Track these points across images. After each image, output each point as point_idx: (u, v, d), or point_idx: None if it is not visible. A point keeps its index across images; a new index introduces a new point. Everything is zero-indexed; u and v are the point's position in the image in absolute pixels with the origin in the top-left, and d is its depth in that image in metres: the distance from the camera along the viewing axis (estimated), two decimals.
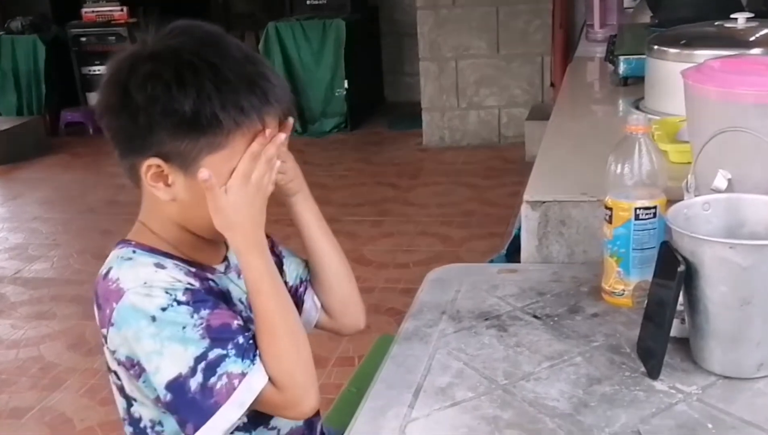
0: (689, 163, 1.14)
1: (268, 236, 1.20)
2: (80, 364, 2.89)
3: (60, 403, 2.67)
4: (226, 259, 1.10)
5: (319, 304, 1.23)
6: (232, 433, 1.01)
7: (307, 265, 1.24)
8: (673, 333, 1.01)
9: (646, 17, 2.55)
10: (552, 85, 4.99)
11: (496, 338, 1.13)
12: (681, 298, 0.99)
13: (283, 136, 1.01)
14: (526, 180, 1.45)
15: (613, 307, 1.18)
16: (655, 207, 1.13)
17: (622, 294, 1.17)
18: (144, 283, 0.96)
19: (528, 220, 1.38)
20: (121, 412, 1.06)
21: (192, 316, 0.95)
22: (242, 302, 1.07)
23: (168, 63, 0.95)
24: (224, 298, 1.05)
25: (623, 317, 1.15)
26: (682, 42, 1.74)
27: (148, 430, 1.04)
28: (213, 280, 1.06)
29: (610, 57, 2.28)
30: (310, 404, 1.01)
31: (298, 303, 1.22)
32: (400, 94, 6.54)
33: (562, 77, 2.74)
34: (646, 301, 1.07)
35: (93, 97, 6.23)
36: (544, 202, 1.37)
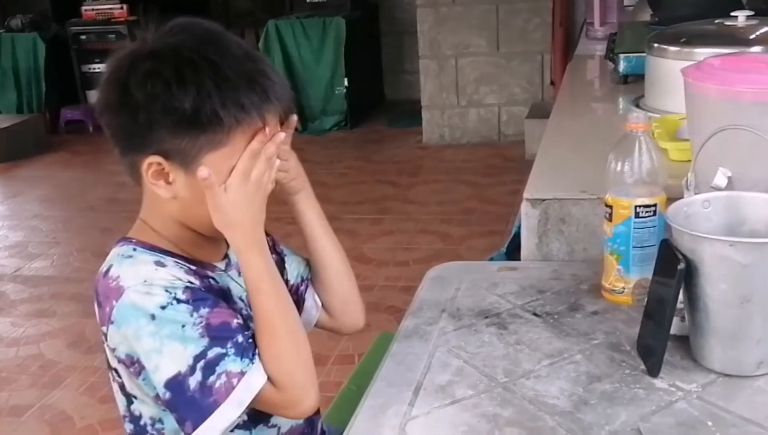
0: (689, 161, 1.14)
1: (268, 235, 1.20)
2: (80, 362, 2.89)
3: (60, 401, 2.67)
4: (226, 256, 1.10)
5: (320, 303, 1.23)
6: (232, 431, 1.01)
7: (308, 263, 1.24)
8: (673, 331, 1.02)
9: (646, 15, 2.55)
10: (552, 83, 4.99)
11: (496, 336, 1.13)
12: (681, 296, 1.00)
13: (282, 135, 1.01)
14: (526, 178, 1.45)
15: (613, 305, 1.18)
16: (655, 205, 1.13)
17: (622, 292, 1.17)
18: (144, 281, 0.96)
19: (528, 217, 1.38)
20: (122, 410, 1.06)
21: (191, 315, 0.95)
22: (242, 300, 1.07)
23: (168, 61, 0.95)
24: (224, 296, 1.05)
25: (623, 315, 1.16)
26: (682, 40, 1.73)
27: (149, 428, 1.04)
28: (213, 278, 1.06)
29: (610, 55, 2.28)
30: (309, 404, 1.00)
31: (299, 301, 1.22)
32: (400, 92, 6.54)
33: (562, 75, 2.74)
34: (646, 299, 1.07)
35: (93, 95, 6.23)
36: (544, 199, 1.37)
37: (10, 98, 6.35)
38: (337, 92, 5.83)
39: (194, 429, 0.94)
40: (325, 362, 2.69)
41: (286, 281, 1.20)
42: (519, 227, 1.44)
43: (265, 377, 0.97)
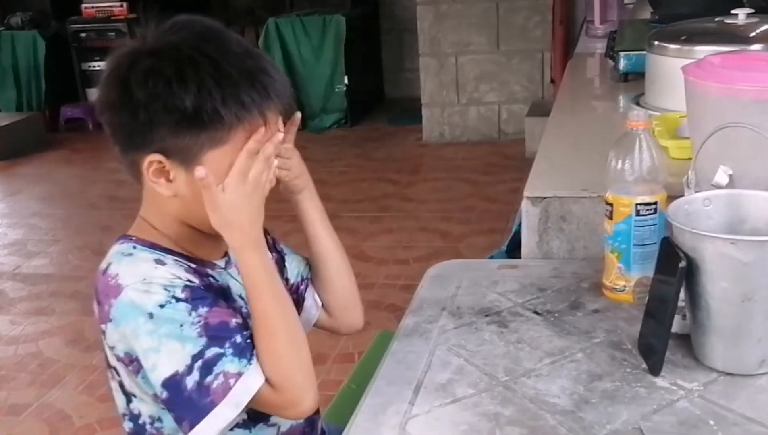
0: (690, 159, 1.13)
1: (268, 233, 1.20)
2: (79, 360, 2.89)
3: (59, 399, 2.67)
4: (226, 254, 1.10)
5: (320, 303, 1.23)
6: (231, 429, 1.01)
7: (308, 262, 1.23)
8: (674, 329, 1.01)
9: (647, 13, 2.55)
10: (552, 81, 4.99)
11: (496, 334, 1.13)
12: (682, 294, 0.99)
13: (281, 136, 1.00)
14: (526, 176, 1.45)
15: (614, 303, 1.18)
16: (655, 203, 1.13)
17: (623, 290, 1.17)
18: (143, 280, 0.96)
19: (528, 216, 1.38)
20: (121, 409, 1.06)
21: (190, 314, 0.95)
22: (242, 298, 1.07)
23: (168, 59, 0.94)
24: (224, 294, 1.04)
25: (624, 313, 1.15)
26: (683, 38, 1.73)
27: (148, 426, 1.04)
28: (213, 276, 1.05)
29: (611, 53, 2.28)
30: (308, 405, 1.00)
31: (299, 300, 1.22)
32: (400, 89, 6.54)
33: (562, 73, 2.74)
34: (647, 297, 1.07)
35: (93, 93, 6.23)
36: (544, 197, 1.37)
37: (10, 96, 6.34)
38: (337, 90, 5.83)
39: (191, 429, 0.94)
40: (325, 361, 2.69)
41: (286, 280, 1.20)
42: (519, 225, 1.44)
43: (263, 378, 0.96)
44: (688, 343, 1.04)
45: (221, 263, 1.08)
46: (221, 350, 0.95)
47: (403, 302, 2.79)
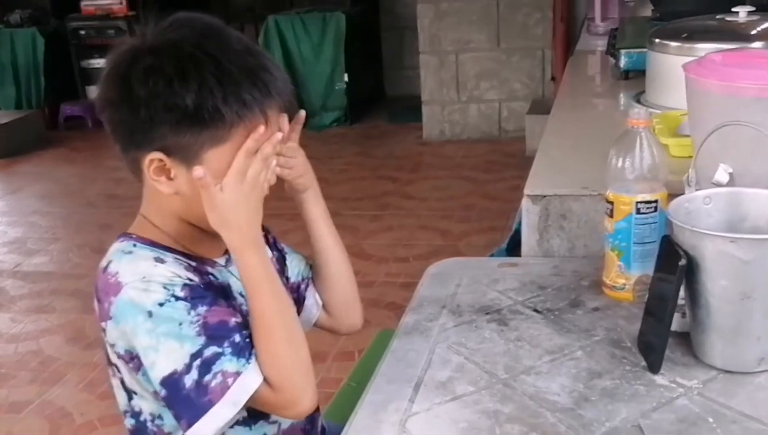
0: (690, 157, 1.13)
1: (269, 232, 1.20)
2: (80, 358, 2.89)
3: (59, 397, 2.67)
4: (227, 252, 1.09)
5: (320, 302, 1.23)
6: (232, 426, 1.01)
7: (308, 262, 1.23)
8: (673, 327, 1.01)
9: (648, 10, 2.55)
10: (553, 78, 4.99)
11: (496, 332, 1.13)
12: (682, 293, 0.99)
13: (279, 136, 1.00)
14: (527, 174, 1.45)
15: (614, 301, 1.18)
16: (656, 201, 1.13)
17: (623, 288, 1.17)
18: (142, 278, 0.96)
19: (529, 214, 1.38)
20: (122, 405, 1.06)
21: (189, 313, 0.95)
22: (242, 296, 1.07)
23: (169, 57, 0.94)
24: (224, 292, 1.04)
25: (624, 311, 1.15)
26: (684, 35, 1.73)
27: (149, 423, 1.04)
28: (213, 274, 1.05)
29: (612, 50, 2.28)
30: (306, 405, 1.00)
31: (300, 300, 1.22)
32: (400, 87, 6.53)
33: (563, 71, 2.74)
34: (647, 296, 1.07)
35: (92, 91, 6.23)
36: (544, 196, 1.37)
37: (9, 94, 6.34)
38: (337, 88, 5.82)
39: (189, 427, 0.94)
40: (325, 358, 2.69)
41: (287, 279, 1.20)
42: (519, 223, 1.44)
43: (261, 378, 0.96)
44: (687, 341, 1.04)
45: (221, 261, 1.08)
46: (220, 349, 0.95)
47: (402, 300, 2.79)
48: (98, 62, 6.16)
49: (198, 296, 0.97)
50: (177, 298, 0.95)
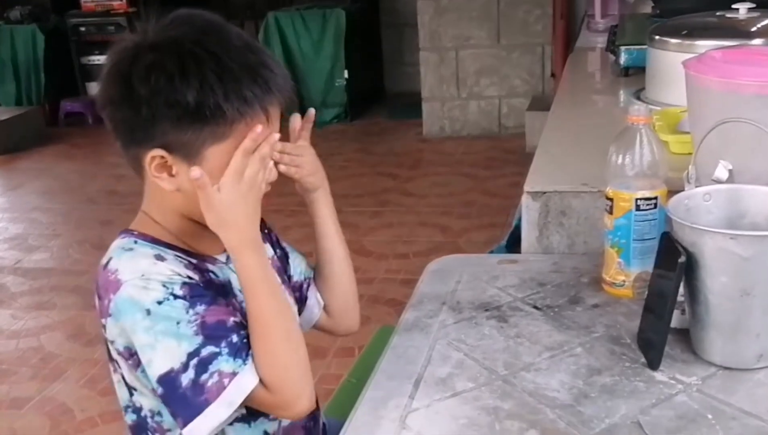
0: (690, 153, 1.13)
1: (271, 230, 1.20)
2: (80, 354, 2.89)
3: (60, 393, 2.67)
4: None
5: (322, 302, 1.23)
6: (231, 423, 1.01)
7: (308, 262, 1.24)
8: (673, 324, 1.02)
9: (648, 7, 2.55)
10: (553, 75, 4.98)
11: (496, 329, 1.13)
12: (681, 289, 0.99)
13: (277, 136, 1.00)
14: (526, 171, 1.45)
15: (614, 298, 1.18)
16: (655, 198, 1.13)
17: (623, 285, 1.17)
18: (141, 275, 0.96)
19: (529, 210, 1.38)
20: (124, 401, 1.06)
21: (187, 312, 0.95)
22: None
23: (170, 54, 0.94)
24: (224, 289, 1.05)
25: (624, 308, 1.16)
26: (684, 32, 1.73)
27: (149, 420, 1.04)
28: (213, 272, 1.05)
29: (612, 47, 2.28)
30: (303, 406, 1.00)
31: (302, 299, 1.22)
32: (400, 84, 6.53)
33: (563, 67, 2.74)
34: (646, 292, 1.07)
35: (92, 87, 6.22)
36: (544, 192, 1.37)
37: (10, 90, 6.34)
38: (337, 84, 5.82)
39: (185, 425, 0.95)
40: (325, 355, 2.69)
41: (290, 277, 1.21)
42: (519, 220, 1.44)
43: (257, 379, 0.96)
44: (687, 337, 1.04)
45: (222, 258, 1.08)
46: (217, 349, 0.95)
47: (402, 297, 2.79)
48: (98, 59, 6.16)
49: (197, 295, 0.97)
50: (176, 297, 0.95)
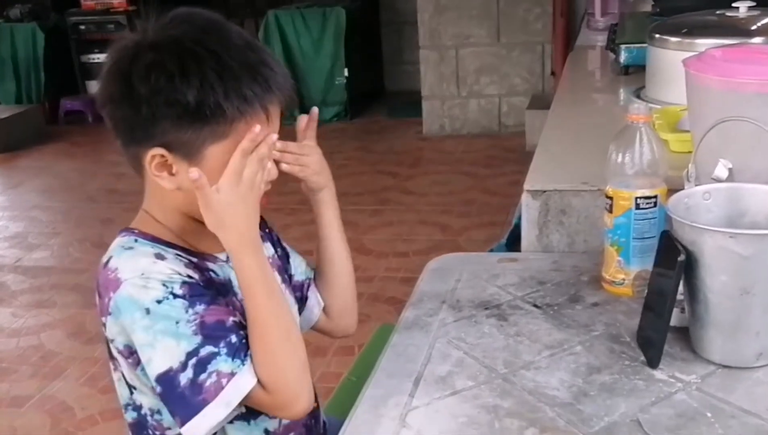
0: (690, 152, 1.13)
1: (272, 230, 1.20)
2: (80, 352, 2.90)
3: (60, 391, 2.68)
4: None
5: (322, 302, 1.23)
6: (231, 421, 1.01)
7: (309, 262, 1.24)
8: (673, 322, 1.02)
9: (648, 6, 2.54)
10: (553, 73, 4.98)
11: (496, 327, 1.13)
12: (681, 288, 1.00)
13: (275, 137, 1.00)
14: (526, 169, 1.45)
15: (614, 297, 1.18)
16: (655, 196, 1.13)
17: (623, 283, 1.17)
18: (141, 274, 0.96)
19: (528, 209, 1.38)
20: (124, 399, 1.06)
21: (186, 311, 0.95)
22: None
23: (170, 52, 0.94)
24: (225, 288, 1.04)
25: (623, 306, 1.16)
26: (684, 31, 1.73)
27: (149, 418, 1.05)
28: (214, 271, 1.05)
29: (612, 46, 2.28)
30: (301, 407, 0.99)
31: (303, 298, 1.22)
32: (400, 82, 6.53)
33: (563, 66, 2.74)
34: (646, 291, 1.07)
35: (92, 86, 6.22)
36: (544, 191, 1.37)
37: (9, 89, 6.34)
38: (337, 83, 5.82)
39: (183, 425, 0.95)
40: (325, 353, 2.69)
41: (290, 277, 1.21)
42: (519, 218, 1.44)
43: (255, 380, 0.96)
44: (686, 336, 1.04)
45: (223, 256, 1.08)
46: (216, 349, 0.94)
47: (402, 295, 2.79)
48: (98, 57, 6.16)
49: (196, 295, 0.97)
50: (175, 296, 0.95)
